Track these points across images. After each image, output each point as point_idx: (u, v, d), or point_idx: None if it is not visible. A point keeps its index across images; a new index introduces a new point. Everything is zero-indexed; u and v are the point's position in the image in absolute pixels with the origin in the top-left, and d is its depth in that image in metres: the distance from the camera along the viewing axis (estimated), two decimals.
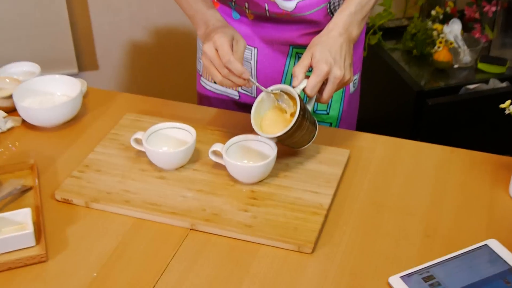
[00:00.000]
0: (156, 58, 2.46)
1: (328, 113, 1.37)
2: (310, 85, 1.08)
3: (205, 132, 1.24)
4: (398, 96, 2.13)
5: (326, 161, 1.17)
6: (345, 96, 1.37)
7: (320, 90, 1.11)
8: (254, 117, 1.12)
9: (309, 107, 1.12)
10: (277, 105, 1.14)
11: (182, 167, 1.15)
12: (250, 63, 1.33)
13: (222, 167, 1.13)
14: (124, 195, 1.09)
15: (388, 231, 1.04)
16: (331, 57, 1.08)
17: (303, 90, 1.09)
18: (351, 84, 1.38)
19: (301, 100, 1.08)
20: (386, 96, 2.22)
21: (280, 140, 1.11)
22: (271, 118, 1.13)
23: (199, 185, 1.11)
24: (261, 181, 1.12)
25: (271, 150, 1.12)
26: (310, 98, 1.12)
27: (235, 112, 1.35)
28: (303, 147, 1.16)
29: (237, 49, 1.08)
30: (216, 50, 1.07)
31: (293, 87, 1.09)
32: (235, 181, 1.12)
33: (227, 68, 1.06)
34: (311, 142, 1.15)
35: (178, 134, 1.18)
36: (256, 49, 1.31)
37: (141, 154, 1.18)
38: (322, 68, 1.08)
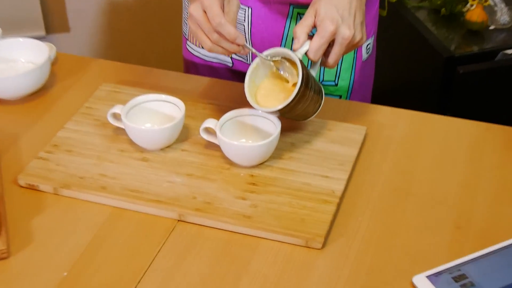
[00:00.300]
0: (137, 19, 2.45)
1: (336, 84, 1.37)
2: (314, 47, 1.08)
3: (195, 105, 1.23)
4: (423, 63, 2.12)
5: (338, 140, 1.16)
6: (357, 64, 1.37)
7: (326, 53, 1.10)
8: (248, 87, 1.11)
9: (313, 73, 1.11)
10: (275, 72, 1.13)
11: (168, 147, 1.15)
12: (244, 25, 1.32)
13: (215, 147, 1.13)
14: (100, 180, 1.08)
15: (412, 222, 1.04)
16: (338, 14, 1.08)
17: (306, 53, 1.09)
18: (363, 50, 1.37)
19: (303, 66, 1.07)
20: (408, 63, 2.21)
21: (280, 114, 1.10)
22: (268, 88, 1.13)
23: (189, 168, 1.11)
24: (262, 163, 1.11)
25: (274, 127, 1.11)
26: (314, 62, 1.11)
27: (230, 81, 1.34)
28: (307, 119, 1.15)
29: (229, 10, 1.07)
30: (204, 11, 1.06)
31: (294, 50, 1.09)
32: (231, 163, 1.11)
33: (217, 32, 1.05)
34: (316, 114, 1.15)
35: (164, 108, 1.17)
36: (250, 9, 1.30)
37: (120, 131, 1.17)
38: (327, 28, 1.07)
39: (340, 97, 1.38)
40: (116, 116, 1.16)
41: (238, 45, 1.07)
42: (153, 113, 1.17)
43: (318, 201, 1.05)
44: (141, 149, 1.14)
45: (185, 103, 1.16)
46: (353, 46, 1.11)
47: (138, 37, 2.48)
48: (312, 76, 1.11)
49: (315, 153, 1.14)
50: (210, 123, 1.12)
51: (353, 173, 1.12)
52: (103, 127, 1.19)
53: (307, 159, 1.13)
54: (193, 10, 1.07)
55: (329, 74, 1.36)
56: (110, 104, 1.21)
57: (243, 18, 1.31)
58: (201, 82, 1.34)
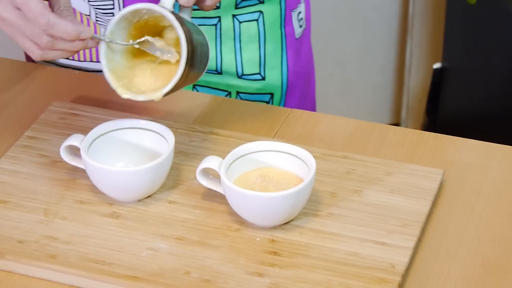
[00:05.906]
0: None
1: (263, 78, 1.39)
2: None
3: (190, 136, 1.25)
4: None
5: (401, 189, 1.17)
6: (288, 42, 1.39)
7: None
8: (110, 69, 1.15)
9: (187, 18, 1.16)
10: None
11: (149, 197, 1.16)
12: None
13: (219, 199, 1.14)
14: (49, 245, 1.09)
15: None
16: None
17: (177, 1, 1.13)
18: (295, 21, 1.39)
19: (183, 24, 1.11)
20: (503, 72, 2.20)
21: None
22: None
23: (180, 229, 1.12)
24: (287, 223, 1.12)
25: (305, 169, 1.12)
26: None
27: (240, 100, 1.35)
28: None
29: None
30: (19, 9, 1.10)
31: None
32: (242, 222, 1.12)
33: (49, 35, 1.10)
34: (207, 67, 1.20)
35: (144, 140, 1.19)
36: None
37: (79, 173, 1.18)
38: None
39: (272, 96, 1.39)
40: (73, 151, 1.17)
41: (83, 39, 1.11)
42: (128, 147, 1.19)
43: (371, 280, 1.05)
44: (110, 200, 1.15)
45: (174, 132, 1.17)
46: None
47: None
48: (191, 30, 1.14)
49: (367, 208, 1.14)
50: (211, 162, 1.12)
51: (422, 238, 1.12)
52: (53, 167, 1.20)
53: (355, 217, 1.13)
54: (3, 11, 1.11)
55: (249, 66, 1.37)
56: (63, 133, 1.22)
57: None
58: (199, 99, 1.34)
